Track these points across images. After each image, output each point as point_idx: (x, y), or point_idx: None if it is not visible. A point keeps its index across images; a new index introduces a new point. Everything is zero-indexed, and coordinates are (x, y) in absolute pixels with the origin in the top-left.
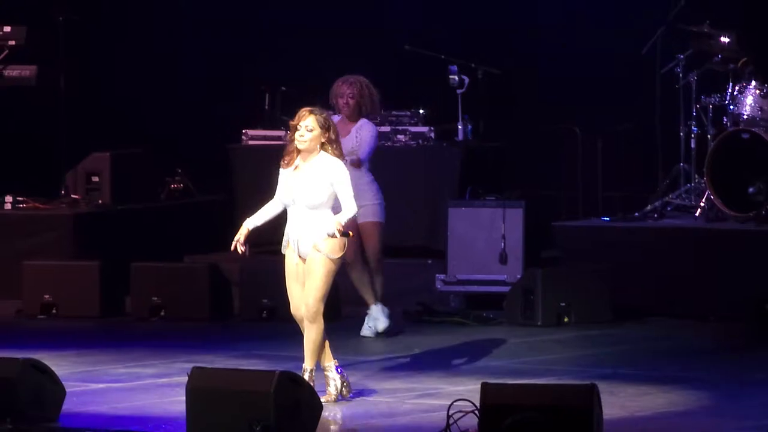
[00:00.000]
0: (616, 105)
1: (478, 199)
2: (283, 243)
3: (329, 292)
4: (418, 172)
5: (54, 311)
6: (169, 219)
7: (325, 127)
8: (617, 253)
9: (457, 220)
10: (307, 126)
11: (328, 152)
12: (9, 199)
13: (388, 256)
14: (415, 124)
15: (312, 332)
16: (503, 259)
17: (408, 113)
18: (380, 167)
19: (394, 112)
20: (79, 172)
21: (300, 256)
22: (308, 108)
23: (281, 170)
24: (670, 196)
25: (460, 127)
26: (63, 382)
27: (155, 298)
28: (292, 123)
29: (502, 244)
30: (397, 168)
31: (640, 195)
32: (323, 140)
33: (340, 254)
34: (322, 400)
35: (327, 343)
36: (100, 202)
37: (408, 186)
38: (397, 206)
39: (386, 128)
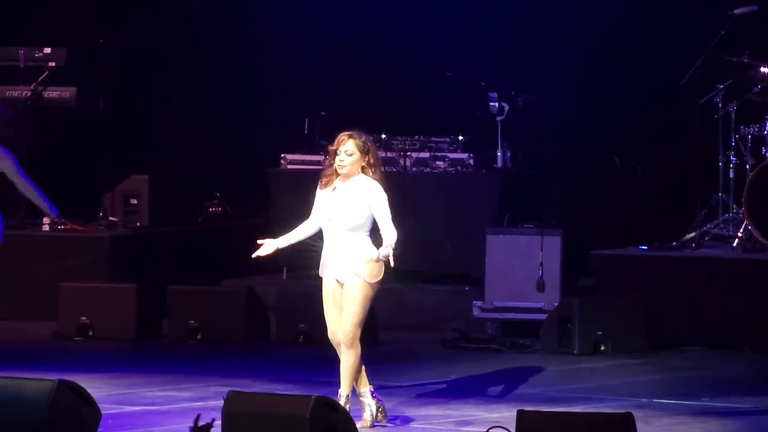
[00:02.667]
0: (655, 134)
1: (516, 226)
2: (320, 266)
3: (366, 317)
4: (457, 199)
5: (90, 333)
6: (207, 242)
7: (365, 151)
8: (654, 282)
9: (495, 247)
10: (347, 151)
11: (368, 175)
12: (47, 220)
13: (426, 282)
14: (455, 151)
15: (349, 357)
16: (540, 286)
17: (447, 140)
18: (418, 193)
19: (433, 138)
20: (118, 194)
21: (337, 280)
22: (347, 132)
23: (318, 190)
24: (708, 225)
25: (499, 154)
26: (98, 405)
27: (192, 322)
28: (331, 148)
29: (540, 271)
30: (435, 194)
31: (678, 224)
32: (363, 164)
33: (378, 278)
34: (358, 425)
35: (363, 368)
36: (138, 224)
37: (446, 212)
38: (435, 232)
39: (425, 154)
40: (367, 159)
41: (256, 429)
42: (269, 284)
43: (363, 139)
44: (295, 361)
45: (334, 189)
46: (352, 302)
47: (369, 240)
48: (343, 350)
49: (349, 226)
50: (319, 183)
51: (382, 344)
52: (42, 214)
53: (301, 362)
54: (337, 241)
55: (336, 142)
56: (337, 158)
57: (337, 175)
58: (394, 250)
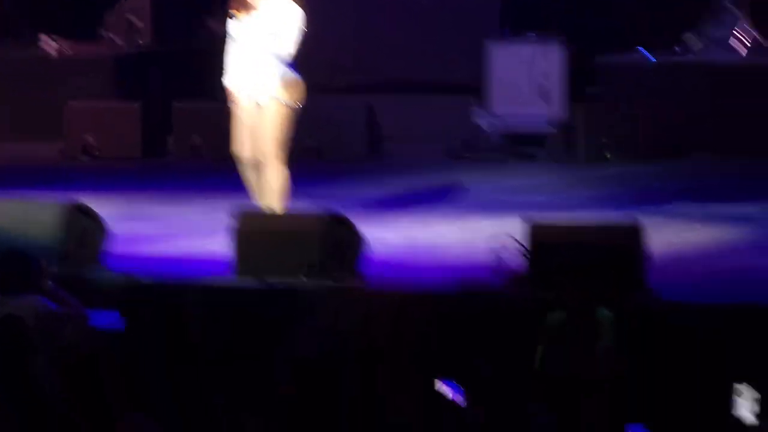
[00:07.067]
0: None
1: (518, 35)
2: (231, 85)
3: (287, 137)
4: (457, 7)
5: (96, 153)
6: (211, 59)
7: None
8: (660, 89)
9: (498, 57)
10: None
11: None
12: (45, 38)
13: (428, 94)
14: None
15: (274, 176)
16: (544, 95)
17: None
18: (417, 3)
19: None
20: (119, 12)
21: (255, 103)
22: None
23: (231, 13)
24: (712, 30)
25: None
26: (107, 225)
27: (197, 138)
28: None
29: (544, 80)
30: (435, 2)
31: (682, 29)
32: None
33: (297, 100)
34: None
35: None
36: (140, 42)
37: (447, 21)
38: (436, 42)
39: None
40: None
41: (267, 246)
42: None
43: None
44: (302, 175)
45: (251, 11)
46: (271, 124)
47: (286, 63)
48: (268, 172)
49: (267, 49)
50: (231, 5)
51: (386, 156)
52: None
53: (309, 176)
54: (255, 64)
55: None
56: None
57: None
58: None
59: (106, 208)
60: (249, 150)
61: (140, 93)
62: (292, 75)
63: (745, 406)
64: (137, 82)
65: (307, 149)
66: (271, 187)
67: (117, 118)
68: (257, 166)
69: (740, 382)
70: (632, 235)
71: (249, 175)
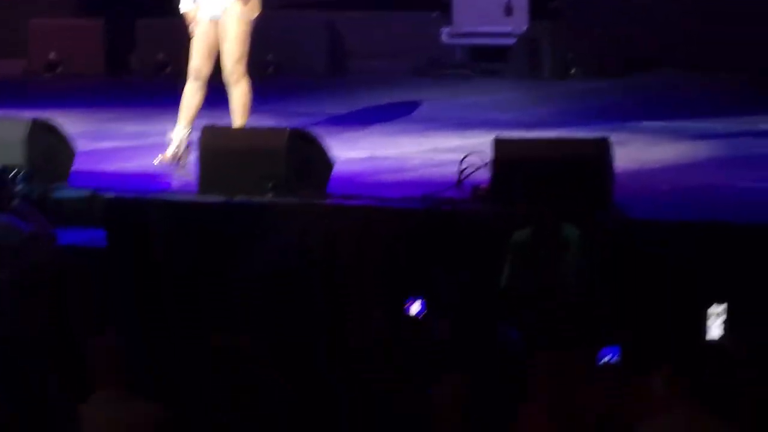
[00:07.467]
0: None
1: None
2: (188, 8)
3: (247, 52)
4: None
5: (59, 69)
6: None
7: None
8: (626, 3)
9: None
10: None
11: None
12: None
13: (390, 9)
14: None
15: (238, 95)
16: (509, 10)
17: None
18: None
19: None
20: None
21: (214, 21)
22: None
23: None
24: None
25: None
26: (72, 142)
27: (161, 55)
28: None
29: None
30: None
31: None
32: None
33: (255, 14)
34: (156, 159)
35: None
36: None
37: None
38: None
39: None
40: None
41: (233, 162)
42: None
43: None
44: (265, 92)
45: None
46: (230, 40)
47: None
48: (232, 89)
49: None
50: None
51: (351, 74)
52: None
53: (272, 93)
54: None
55: None
56: None
57: None
58: None
59: (71, 125)
60: (205, 68)
61: (104, 9)
62: None
63: (715, 323)
64: None
65: (266, 64)
66: (236, 103)
67: (80, 35)
68: (206, 84)
69: (706, 298)
70: (598, 150)
71: (191, 94)
